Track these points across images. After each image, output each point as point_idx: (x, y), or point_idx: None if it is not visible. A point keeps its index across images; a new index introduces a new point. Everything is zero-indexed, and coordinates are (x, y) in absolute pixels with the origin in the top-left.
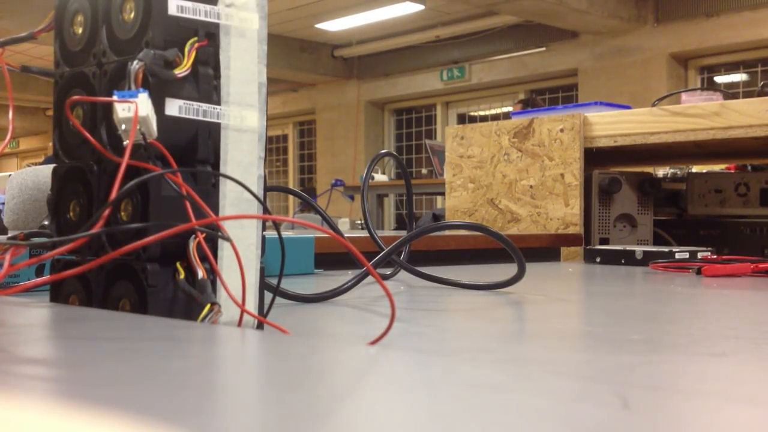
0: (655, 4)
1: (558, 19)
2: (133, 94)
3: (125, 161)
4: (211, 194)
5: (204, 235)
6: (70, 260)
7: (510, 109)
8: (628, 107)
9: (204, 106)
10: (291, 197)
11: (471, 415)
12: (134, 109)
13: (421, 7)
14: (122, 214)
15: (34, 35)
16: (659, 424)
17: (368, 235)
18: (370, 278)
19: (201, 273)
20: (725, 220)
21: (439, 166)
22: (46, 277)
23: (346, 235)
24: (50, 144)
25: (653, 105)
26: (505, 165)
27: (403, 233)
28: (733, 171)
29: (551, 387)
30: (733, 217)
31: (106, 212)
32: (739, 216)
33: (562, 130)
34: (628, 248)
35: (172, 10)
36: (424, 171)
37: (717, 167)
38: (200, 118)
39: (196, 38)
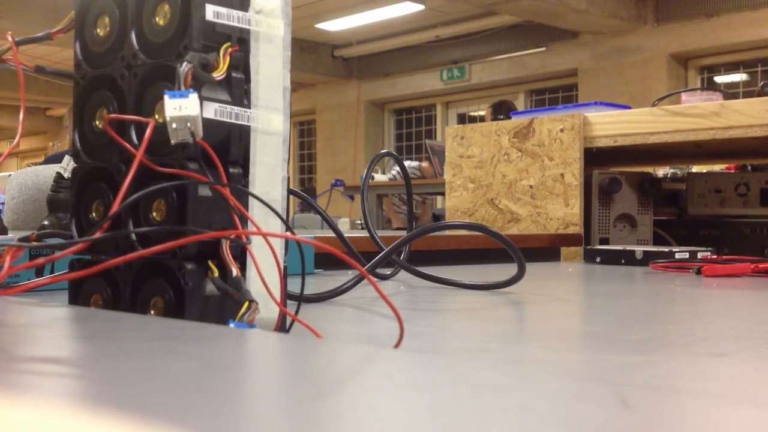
0: (655, 4)
1: (558, 19)
2: (183, 94)
3: (136, 162)
4: (241, 194)
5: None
6: (90, 260)
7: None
8: (628, 107)
9: (236, 109)
10: (291, 197)
11: (471, 416)
12: (186, 107)
13: (421, 7)
14: (154, 213)
15: (50, 36)
16: (659, 424)
17: (368, 235)
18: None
19: (235, 271)
20: (725, 220)
21: (439, 166)
22: (47, 278)
23: (345, 235)
24: (50, 144)
25: (653, 105)
26: (505, 165)
27: (403, 233)
28: (733, 171)
29: (551, 387)
30: (733, 217)
31: (108, 219)
32: (739, 216)
33: (562, 130)
34: (628, 248)
35: (210, 15)
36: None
37: (717, 167)
38: (233, 120)
39: (229, 43)
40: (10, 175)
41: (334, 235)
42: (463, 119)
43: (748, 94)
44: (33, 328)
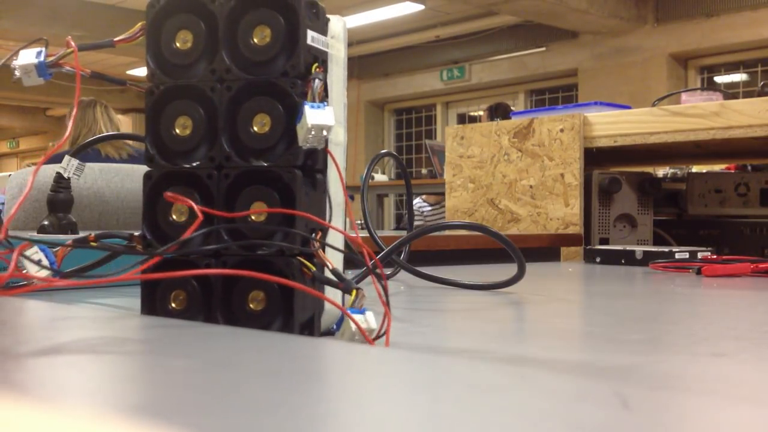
0: (655, 4)
1: (558, 19)
2: (320, 106)
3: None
4: (323, 199)
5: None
6: (167, 259)
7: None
8: (628, 107)
9: None
10: None
11: (471, 416)
12: (323, 118)
13: (421, 7)
14: (253, 217)
15: (113, 44)
16: (659, 424)
17: (368, 235)
18: (369, 278)
19: (330, 264)
20: (725, 220)
21: (439, 166)
22: (121, 275)
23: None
24: (50, 144)
25: (653, 105)
26: (505, 165)
27: (403, 233)
28: (733, 171)
29: (551, 387)
30: (733, 217)
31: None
32: (739, 216)
33: (562, 130)
34: (628, 248)
35: (309, 40)
36: (424, 171)
37: (717, 167)
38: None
39: (317, 64)
40: (10, 175)
41: None
42: (463, 119)
43: (748, 94)
44: (34, 328)
